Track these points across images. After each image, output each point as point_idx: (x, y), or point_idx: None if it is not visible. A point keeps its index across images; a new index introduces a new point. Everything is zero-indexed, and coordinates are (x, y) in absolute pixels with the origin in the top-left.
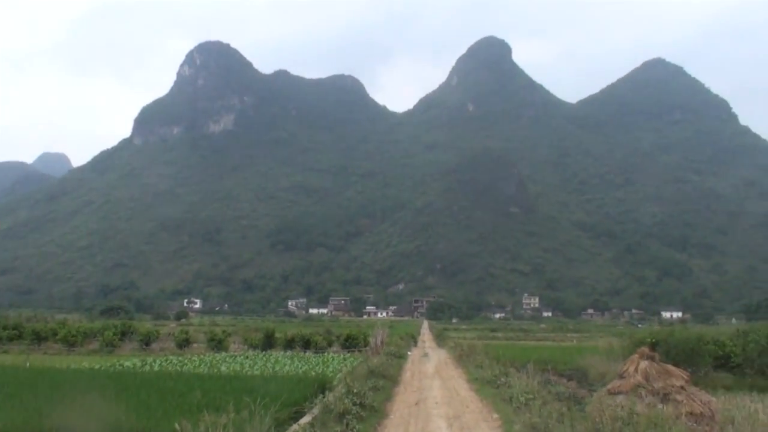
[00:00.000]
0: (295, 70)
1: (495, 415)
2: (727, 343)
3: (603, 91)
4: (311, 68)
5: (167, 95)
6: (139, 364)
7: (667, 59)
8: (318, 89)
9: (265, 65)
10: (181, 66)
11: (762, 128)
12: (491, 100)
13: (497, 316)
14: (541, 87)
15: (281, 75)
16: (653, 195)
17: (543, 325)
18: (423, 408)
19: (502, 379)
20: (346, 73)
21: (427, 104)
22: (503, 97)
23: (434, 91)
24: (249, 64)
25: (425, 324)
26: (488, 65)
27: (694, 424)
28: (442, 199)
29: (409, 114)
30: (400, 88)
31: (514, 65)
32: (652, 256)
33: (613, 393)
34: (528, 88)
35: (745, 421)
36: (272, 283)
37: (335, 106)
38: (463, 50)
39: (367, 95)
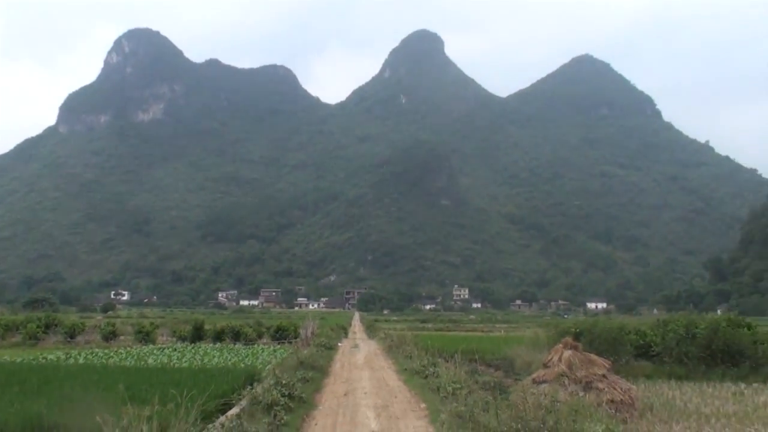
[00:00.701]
0: (227, 60)
1: (422, 405)
2: (648, 332)
3: (533, 86)
4: (243, 58)
5: (94, 82)
6: (63, 356)
7: (595, 56)
8: (250, 79)
9: (195, 54)
10: (109, 53)
11: (684, 124)
12: (424, 93)
13: (428, 307)
14: (473, 81)
15: (212, 64)
16: (580, 189)
17: (472, 316)
18: (352, 398)
19: (431, 370)
20: (279, 63)
21: (360, 96)
22: (435, 90)
23: (367, 83)
24: (179, 53)
25: (356, 315)
26: (421, 58)
27: (615, 411)
28: (374, 190)
29: (341, 106)
30: (333, 79)
31: (446, 58)
32: (578, 249)
33: (537, 382)
34: (460, 82)
35: (663, 407)
36: (202, 274)
37: (268, 97)
38: (396, 43)
39: (300, 86)
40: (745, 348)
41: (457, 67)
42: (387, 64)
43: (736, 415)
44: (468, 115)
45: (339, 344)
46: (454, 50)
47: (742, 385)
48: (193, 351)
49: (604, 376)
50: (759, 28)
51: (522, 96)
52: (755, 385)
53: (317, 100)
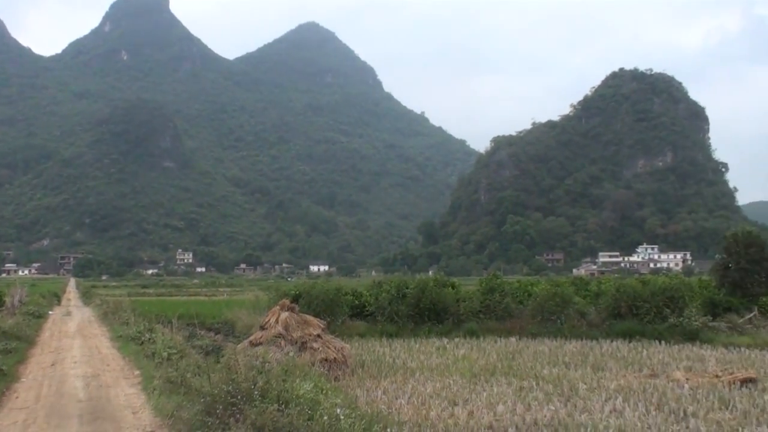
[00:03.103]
0: None
1: (136, 372)
2: (364, 293)
3: (260, 50)
4: None
5: None
6: None
7: (321, 24)
8: None
9: None
10: None
11: (402, 95)
12: (147, 50)
13: (150, 272)
14: (199, 41)
15: None
16: (305, 154)
17: (196, 281)
18: (60, 369)
19: (147, 336)
20: None
21: (77, 49)
22: (160, 47)
23: (86, 36)
24: None
25: (72, 282)
26: (144, 13)
27: (328, 370)
28: (93, 150)
29: (57, 59)
30: (47, 29)
31: (171, 15)
32: (303, 213)
33: (255, 344)
34: (185, 41)
35: (373, 363)
36: None
37: None
38: None
39: (8, 34)
40: (449, 306)
41: (183, 25)
42: (107, 18)
43: (438, 368)
44: (194, 75)
45: (50, 312)
46: (180, 7)
47: (445, 340)
48: None
49: (319, 336)
50: (470, 7)
51: (249, 59)
52: (456, 339)
53: (29, 50)
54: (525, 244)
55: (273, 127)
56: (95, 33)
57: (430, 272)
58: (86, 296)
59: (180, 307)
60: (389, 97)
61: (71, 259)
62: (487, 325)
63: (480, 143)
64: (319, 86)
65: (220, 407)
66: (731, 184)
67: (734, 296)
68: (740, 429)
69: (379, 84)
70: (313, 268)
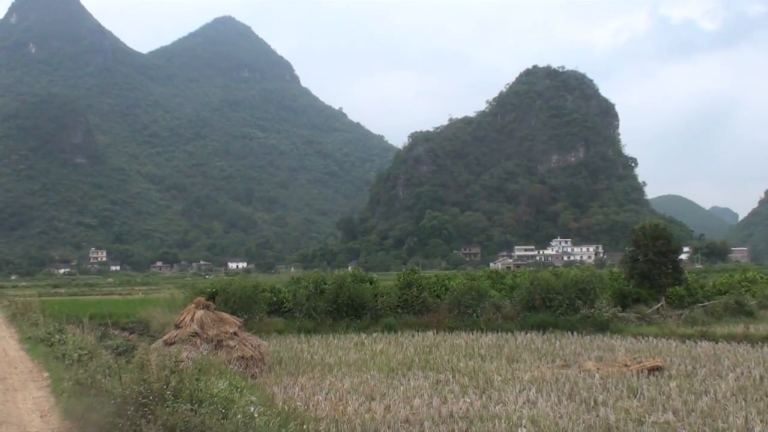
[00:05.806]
0: None
1: (45, 374)
2: (283, 289)
3: (174, 44)
4: None
5: None
6: None
7: (237, 18)
8: None
9: None
10: None
11: (320, 90)
12: (56, 42)
13: (62, 271)
14: (110, 33)
15: None
16: (221, 150)
17: (110, 279)
18: None
19: (57, 336)
20: None
21: None
22: (69, 40)
23: None
24: None
25: None
26: (52, 4)
27: (245, 368)
28: (0, 146)
29: None
30: None
31: (81, 7)
32: (220, 209)
33: (169, 343)
34: (97, 33)
35: (291, 360)
36: None
37: None
38: None
39: None
40: (367, 301)
41: (94, 17)
42: (14, 8)
43: (356, 363)
44: (106, 69)
45: None
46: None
47: (364, 335)
48: None
49: (235, 333)
50: (385, 3)
51: (163, 53)
52: (375, 334)
53: None
54: (443, 239)
55: (189, 122)
56: (0, 25)
57: (350, 268)
58: None
59: (93, 306)
60: (307, 93)
61: None
62: (405, 319)
63: (398, 139)
64: (235, 81)
65: (131, 408)
66: (640, 179)
67: (642, 287)
68: (647, 416)
69: (296, 79)
70: (232, 265)
